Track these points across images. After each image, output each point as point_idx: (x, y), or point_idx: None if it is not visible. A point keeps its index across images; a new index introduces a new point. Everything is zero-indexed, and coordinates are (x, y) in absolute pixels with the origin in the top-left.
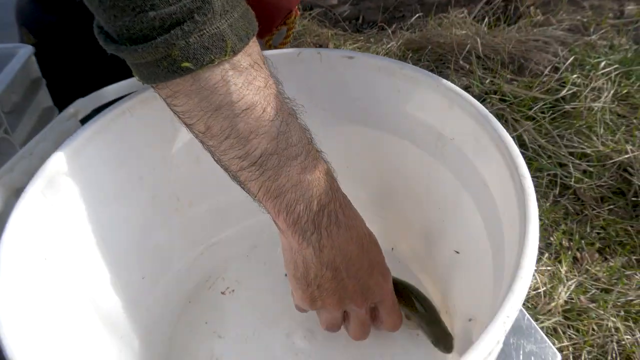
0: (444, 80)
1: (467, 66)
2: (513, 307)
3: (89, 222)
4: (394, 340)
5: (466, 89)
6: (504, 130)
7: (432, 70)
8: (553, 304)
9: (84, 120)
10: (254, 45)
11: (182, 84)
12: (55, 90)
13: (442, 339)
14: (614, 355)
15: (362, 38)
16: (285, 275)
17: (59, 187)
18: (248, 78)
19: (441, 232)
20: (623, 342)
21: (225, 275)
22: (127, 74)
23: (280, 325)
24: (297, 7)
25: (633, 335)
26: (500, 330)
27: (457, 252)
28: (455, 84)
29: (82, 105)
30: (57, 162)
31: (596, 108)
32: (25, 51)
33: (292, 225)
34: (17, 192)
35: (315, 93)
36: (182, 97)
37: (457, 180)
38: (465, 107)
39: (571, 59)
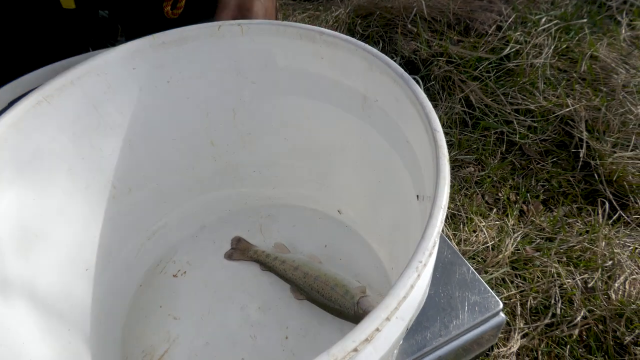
0: (361, 43)
1: (415, 30)
2: (424, 253)
3: (22, 217)
4: None
5: (414, 52)
6: (418, 88)
7: (380, 36)
8: (501, 256)
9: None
10: None
11: None
12: None
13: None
14: (556, 298)
15: (311, 7)
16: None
17: None
18: None
19: (379, 193)
20: (565, 286)
21: (175, 258)
22: (44, 62)
23: (234, 301)
24: None
25: (573, 279)
26: (413, 274)
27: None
28: (403, 48)
29: None
30: None
31: (538, 64)
32: None
33: None
34: None
35: (242, 66)
36: None
37: (385, 141)
38: (382, 69)
39: (513, 16)
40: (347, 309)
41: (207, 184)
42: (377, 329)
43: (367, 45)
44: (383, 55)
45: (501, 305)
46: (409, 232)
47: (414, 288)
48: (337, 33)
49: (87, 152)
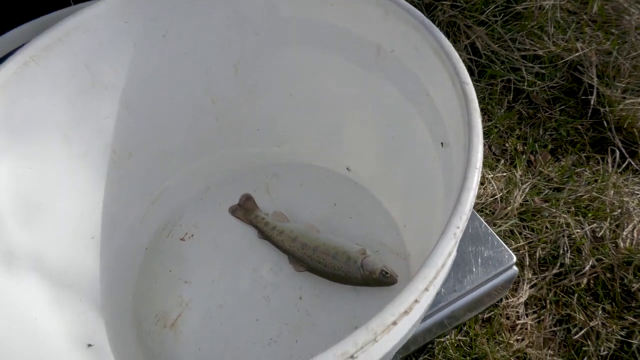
0: None
1: None
2: (461, 217)
3: (21, 188)
4: None
5: None
6: (442, 35)
7: None
8: (509, 208)
9: None
10: None
11: None
12: None
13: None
14: (565, 249)
15: None
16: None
17: None
18: None
19: (392, 149)
20: (573, 236)
21: (181, 222)
22: (23, 17)
23: (245, 262)
24: None
25: (582, 229)
26: (451, 241)
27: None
28: None
29: None
30: None
31: (547, 6)
32: None
33: None
34: None
35: (244, 16)
36: None
37: (401, 95)
38: (400, 15)
39: None
40: (353, 274)
41: (210, 144)
42: (416, 301)
43: None
44: (401, 0)
45: (514, 259)
46: (425, 188)
47: (451, 255)
48: None
49: (82, 116)
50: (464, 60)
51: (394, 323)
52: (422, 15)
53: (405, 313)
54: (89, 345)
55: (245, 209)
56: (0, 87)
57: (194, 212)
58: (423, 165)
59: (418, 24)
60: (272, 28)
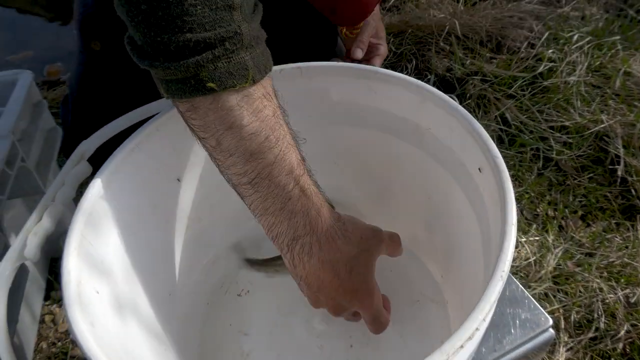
0: (413, 79)
1: (448, 47)
2: (505, 262)
3: (119, 250)
4: (411, 316)
5: (448, 71)
6: (473, 119)
7: (413, 54)
8: (543, 272)
9: (91, 159)
10: (268, 79)
11: (203, 102)
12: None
13: None
14: (599, 313)
15: None
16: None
17: (93, 225)
18: (259, 106)
19: (436, 217)
20: (607, 301)
21: (237, 279)
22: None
23: (298, 314)
24: None
25: (615, 294)
26: (499, 282)
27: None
28: (437, 66)
29: (86, 147)
30: (89, 204)
31: (572, 81)
32: (26, 76)
33: (272, 240)
34: (47, 239)
35: (299, 103)
36: (200, 112)
37: (437, 164)
38: (436, 102)
39: (546, 34)
40: None
41: None
42: (477, 329)
43: (418, 81)
44: (436, 90)
45: (551, 322)
46: (462, 245)
47: (499, 292)
48: (389, 71)
49: (168, 191)
50: (494, 130)
51: (461, 347)
52: (455, 102)
53: (469, 339)
54: None
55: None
56: (114, 170)
57: (248, 269)
58: (461, 230)
59: (452, 109)
60: (322, 110)
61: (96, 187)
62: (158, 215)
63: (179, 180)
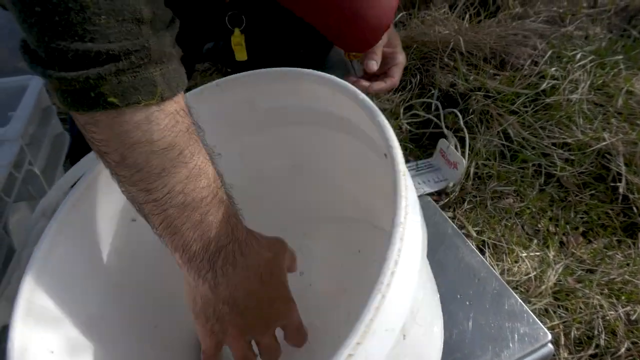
0: (323, 74)
1: (452, 63)
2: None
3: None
4: None
5: (452, 86)
6: (376, 109)
7: (418, 69)
8: (543, 287)
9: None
10: (181, 96)
11: (106, 116)
12: None
13: None
14: (599, 330)
15: None
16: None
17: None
18: (171, 122)
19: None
20: (607, 318)
21: None
22: None
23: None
24: None
25: (616, 311)
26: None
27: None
28: (441, 82)
29: (74, 173)
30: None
31: (574, 99)
32: (36, 82)
33: (187, 262)
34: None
35: (231, 116)
36: (101, 126)
37: (366, 146)
38: (344, 93)
39: (550, 52)
40: None
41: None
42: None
43: (329, 76)
44: (343, 82)
45: (550, 337)
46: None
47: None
48: (301, 70)
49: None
50: (496, 145)
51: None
52: (361, 94)
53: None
54: None
55: None
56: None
57: None
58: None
59: (357, 100)
60: (253, 117)
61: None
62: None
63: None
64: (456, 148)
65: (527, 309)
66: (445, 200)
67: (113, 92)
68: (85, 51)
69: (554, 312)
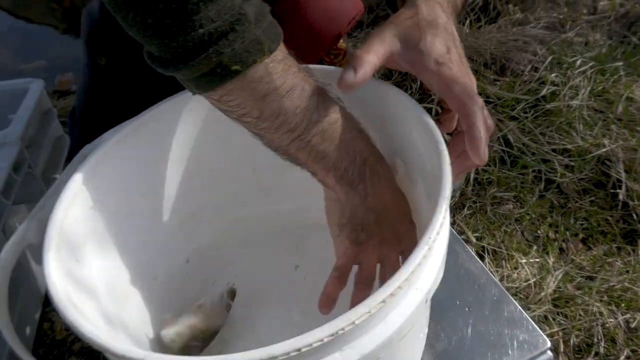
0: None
1: None
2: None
3: (108, 233)
4: None
5: None
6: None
7: None
8: (543, 294)
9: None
10: (282, 44)
11: (235, 84)
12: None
13: None
14: (599, 337)
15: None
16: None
17: (79, 204)
18: (284, 67)
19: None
20: (607, 325)
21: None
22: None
23: (278, 306)
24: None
25: (616, 319)
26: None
27: None
28: None
29: (89, 149)
30: (75, 185)
31: (574, 105)
32: (37, 85)
33: (340, 179)
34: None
35: None
36: (235, 93)
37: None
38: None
39: (550, 58)
40: None
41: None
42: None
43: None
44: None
45: (549, 344)
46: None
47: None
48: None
49: (154, 182)
50: (496, 151)
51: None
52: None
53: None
54: None
55: None
56: (102, 158)
57: (237, 264)
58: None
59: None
60: None
61: (86, 169)
62: (145, 203)
63: (165, 173)
64: None
65: (527, 316)
66: None
67: (233, 61)
68: (200, 37)
69: (554, 319)
